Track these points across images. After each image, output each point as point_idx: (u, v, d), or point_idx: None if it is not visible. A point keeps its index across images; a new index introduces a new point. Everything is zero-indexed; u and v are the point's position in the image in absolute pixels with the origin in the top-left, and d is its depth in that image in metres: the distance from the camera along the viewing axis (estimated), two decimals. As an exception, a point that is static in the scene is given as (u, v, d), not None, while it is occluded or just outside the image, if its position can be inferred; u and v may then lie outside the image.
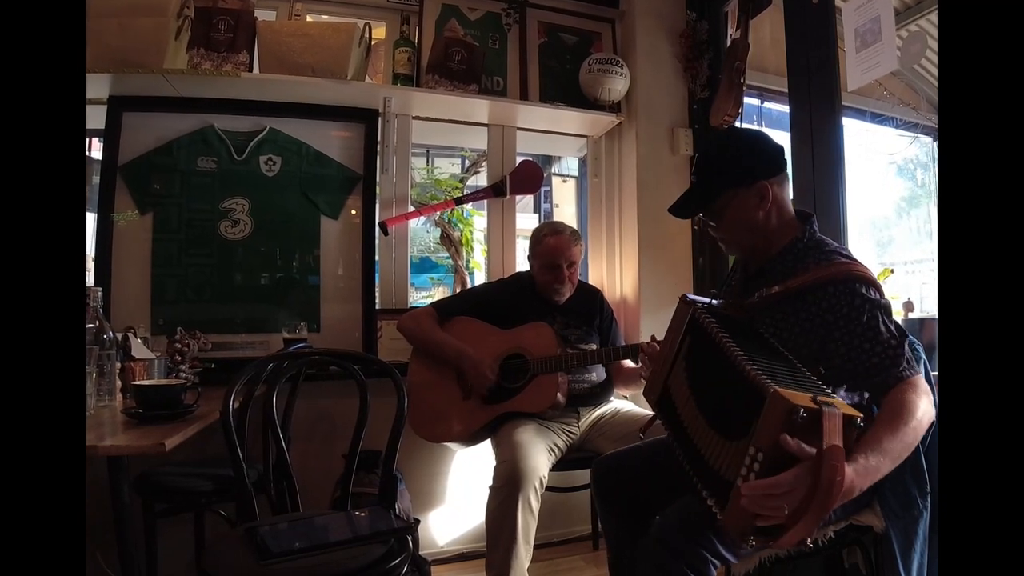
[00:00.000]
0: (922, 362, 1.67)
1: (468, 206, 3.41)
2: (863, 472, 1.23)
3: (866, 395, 1.49)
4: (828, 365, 1.49)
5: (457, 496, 3.04)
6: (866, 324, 1.46)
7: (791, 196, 1.71)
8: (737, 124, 2.88)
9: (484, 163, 3.37)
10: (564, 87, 3.30)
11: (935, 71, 2.24)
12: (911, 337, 1.71)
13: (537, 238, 2.76)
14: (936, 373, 1.65)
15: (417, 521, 2.67)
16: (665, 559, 1.42)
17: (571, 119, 3.32)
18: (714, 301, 1.72)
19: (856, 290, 1.49)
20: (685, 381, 1.52)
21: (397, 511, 2.10)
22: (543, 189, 4.70)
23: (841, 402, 1.22)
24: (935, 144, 2.76)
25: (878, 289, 1.52)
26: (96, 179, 2.81)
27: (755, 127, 3.13)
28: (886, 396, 1.41)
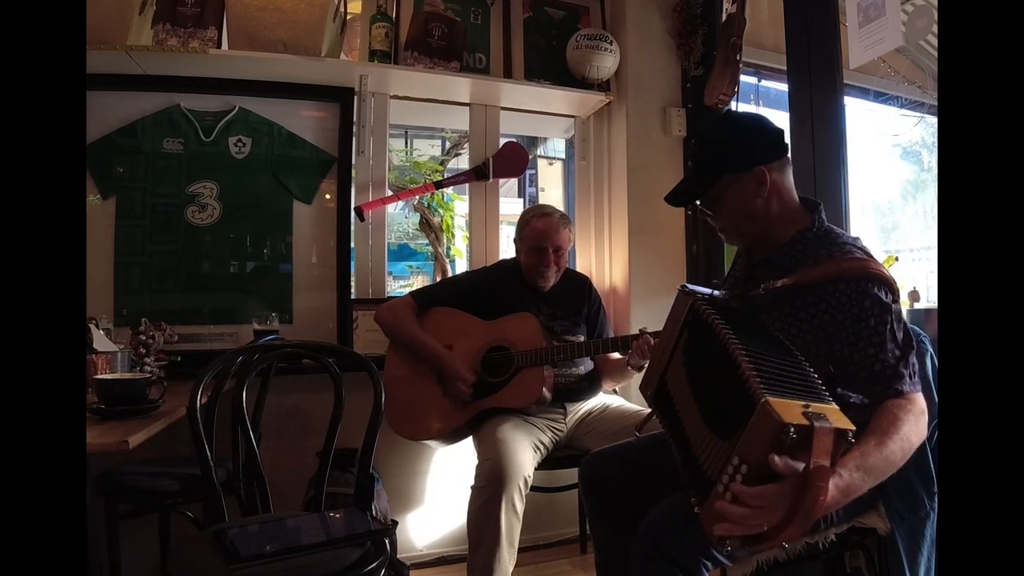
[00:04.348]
0: (928, 355, 1.69)
1: (449, 190, 3.41)
2: (844, 489, 1.26)
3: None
4: (835, 365, 1.49)
5: (437, 497, 3.05)
6: (873, 329, 1.46)
7: (793, 182, 1.72)
8: (733, 104, 2.89)
9: (466, 145, 3.38)
10: (550, 64, 3.29)
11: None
12: (917, 329, 1.73)
13: (524, 220, 2.77)
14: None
15: (395, 523, 2.68)
16: (653, 558, 1.43)
17: (558, 98, 3.31)
18: (716, 292, 1.72)
19: (868, 290, 1.48)
20: (684, 375, 1.53)
21: (374, 512, 2.11)
22: (528, 172, 4.71)
23: (835, 410, 1.22)
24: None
25: (892, 290, 1.51)
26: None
27: (752, 107, 3.14)
28: (879, 408, 1.41)
